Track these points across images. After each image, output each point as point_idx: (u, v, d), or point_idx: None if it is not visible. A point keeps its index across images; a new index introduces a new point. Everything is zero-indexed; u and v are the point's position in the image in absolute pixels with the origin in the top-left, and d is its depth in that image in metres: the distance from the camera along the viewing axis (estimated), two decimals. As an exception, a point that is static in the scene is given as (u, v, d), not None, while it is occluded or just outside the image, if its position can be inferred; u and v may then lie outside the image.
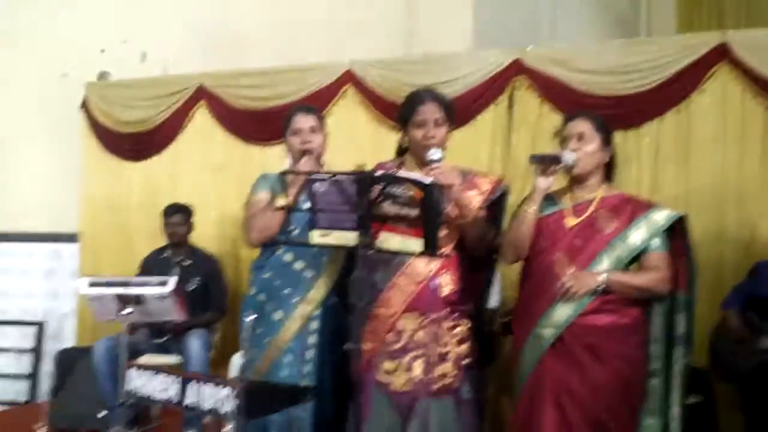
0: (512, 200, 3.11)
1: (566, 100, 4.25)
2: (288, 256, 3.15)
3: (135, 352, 4.22)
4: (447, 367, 2.80)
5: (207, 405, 2.57)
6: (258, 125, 5.06)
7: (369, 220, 2.47)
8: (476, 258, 2.98)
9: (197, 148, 5.32)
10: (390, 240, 2.51)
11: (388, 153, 3.12)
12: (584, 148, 2.86)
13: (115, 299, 3.71)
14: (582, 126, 2.88)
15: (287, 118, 3.24)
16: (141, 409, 4.26)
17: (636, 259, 2.84)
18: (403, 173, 2.63)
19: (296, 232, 3.09)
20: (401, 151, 3.02)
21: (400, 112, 2.97)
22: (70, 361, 4.99)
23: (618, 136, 3.49)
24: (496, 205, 2.99)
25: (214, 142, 5.26)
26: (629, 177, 4.00)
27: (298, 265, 3.14)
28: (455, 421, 2.80)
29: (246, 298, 3.28)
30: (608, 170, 2.96)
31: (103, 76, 5.77)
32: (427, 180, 2.45)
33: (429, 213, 2.43)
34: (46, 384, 5.64)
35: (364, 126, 4.82)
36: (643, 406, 2.81)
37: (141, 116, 5.45)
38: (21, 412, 5.33)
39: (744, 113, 4.02)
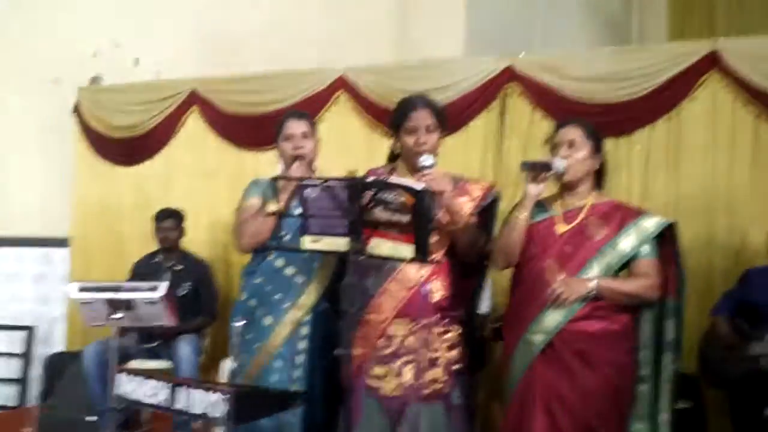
0: (503, 207, 3.12)
1: (558, 107, 4.26)
2: (279, 262, 3.15)
3: (125, 357, 4.21)
4: (437, 372, 2.80)
5: (197, 410, 2.57)
6: (250, 131, 5.06)
7: (360, 226, 2.48)
8: (467, 264, 2.98)
9: (189, 153, 5.31)
10: (381, 246, 2.51)
11: (380, 159, 3.13)
12: (575, 155, 2.87)
13: (105, 304, 3.70)
14: (573, 133, 2.90)
15: (279, 123, 3.25)
16: (131, 413, 4.25)
17: (626, 266, 2.85)
18: (394, 179, 2.64)
19: (287, 237, 3.09)
20: (393, 157, 3.02)
21: (392, 118, 2.97)
22: (59, 365, 4.98)
23: (609, 144, 3.52)
24: (487, 211, 3.00)
25: (206, 148, 5.25)
26: (620, 184, 4.02)
27: (289, 270, 3.14)
28: (445, 426, 2.80)
29: (237, 303, 3.28)
30: (599, 177, 2.98)
31: (95, 80, 5.76)
32: (419, 186, 2.46)
33: (420, 219, 2.44)
34: (35, 388, 5.61)
35: (356, 132, 4.81)
36: (632, 412, 2.82)
37: (133, 121, 5.44)
38: (10, 416, 5.31)
39: (734, 121, 4.04)
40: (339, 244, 2.52)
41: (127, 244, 5.35)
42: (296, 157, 3.14)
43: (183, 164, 5.32)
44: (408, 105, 2.92)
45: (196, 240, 5.00)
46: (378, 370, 2.82)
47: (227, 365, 2.99)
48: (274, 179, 3.13)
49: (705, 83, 4.08)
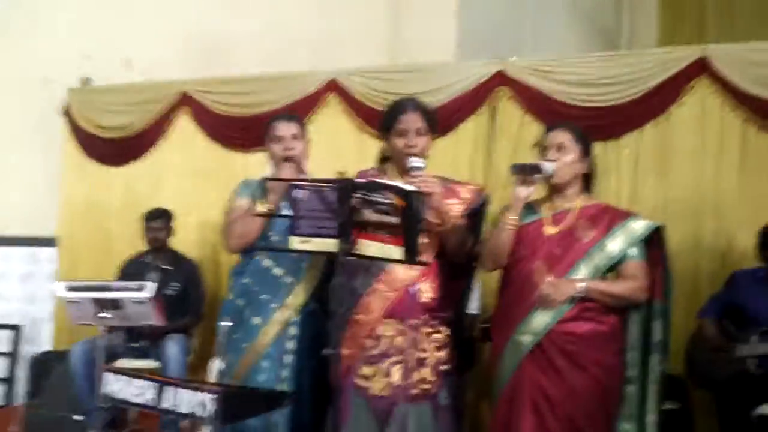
0: (493, 208, 3.14)
1: (548, 110, 4.28)
2: (267, 262, 3.15)
3: (112, 356, 4.20)
4: (425, 372, 2.81)
5: (184, 409, 2.57)
6: (240, 132, 5.06)
7: (349, 228, 2.48)
8: (456, 265, 2.99)
9: (179, 153, 5.30)
10: (370, 247, 2.51)
11: (370, 161, 3.13)
12: (563, 158, 2.89)
13: (92, 303, 3.69)
14: (561, 136, 2.92)
15: (269, 125, 3.25)
16: (118, 412, 4.23)
17: (614, 268, 2.87)
18: (384, 181, 2.64)
19: (276, 238, 3.10)
20: (383, 160, 3.03)
21: (383, 121, 2.98)
22: (46, 364, 4.96)
23: (598, 147, 3.54)
24: (476, 213, 3.00)
25: (196, 148, 5.25)
26: (609, 187, 4.04)
27: (278, 271, 3.14)
28: (433, 426, 2.81)
29: (225, 303, 3.28)
30: (588, 181, 2.99)
31: (86, 82, 5.74)
32: (408, 188, 2.46)
33: (409, 221, 2.44)
34: (22, 387, 5.58)
35: (346, 134, 4.82)
36: (620, 413, 2.84)
37: (123, 122, 5.42)
38: (-4, 415, 5.28)
39: (722, 126, 4.07)
40: (328, 245, 2.52)
41: (115, 244, 5.33)
42: (286, 159, 3.15)
43: (172, 164, 5.31)
44: (398, 108, 2.93)
45: (185, 240, 4.99)
46: (366, 370, 2.82)
47: (215, 365, 2.98)
48: (264, 180, 3.14)
49: (694, 88, 4.11)
